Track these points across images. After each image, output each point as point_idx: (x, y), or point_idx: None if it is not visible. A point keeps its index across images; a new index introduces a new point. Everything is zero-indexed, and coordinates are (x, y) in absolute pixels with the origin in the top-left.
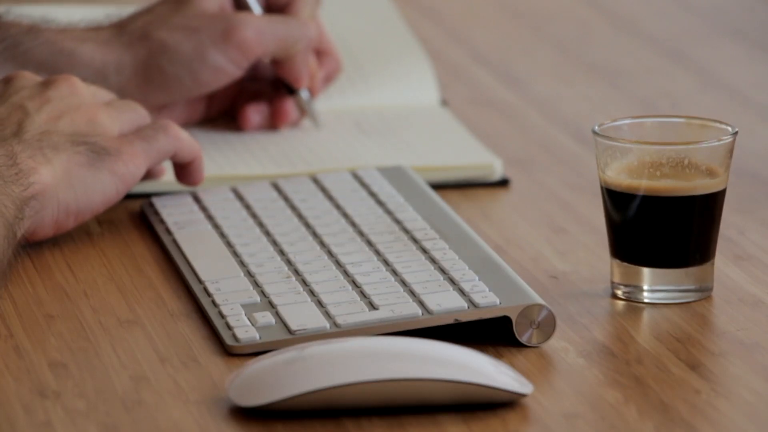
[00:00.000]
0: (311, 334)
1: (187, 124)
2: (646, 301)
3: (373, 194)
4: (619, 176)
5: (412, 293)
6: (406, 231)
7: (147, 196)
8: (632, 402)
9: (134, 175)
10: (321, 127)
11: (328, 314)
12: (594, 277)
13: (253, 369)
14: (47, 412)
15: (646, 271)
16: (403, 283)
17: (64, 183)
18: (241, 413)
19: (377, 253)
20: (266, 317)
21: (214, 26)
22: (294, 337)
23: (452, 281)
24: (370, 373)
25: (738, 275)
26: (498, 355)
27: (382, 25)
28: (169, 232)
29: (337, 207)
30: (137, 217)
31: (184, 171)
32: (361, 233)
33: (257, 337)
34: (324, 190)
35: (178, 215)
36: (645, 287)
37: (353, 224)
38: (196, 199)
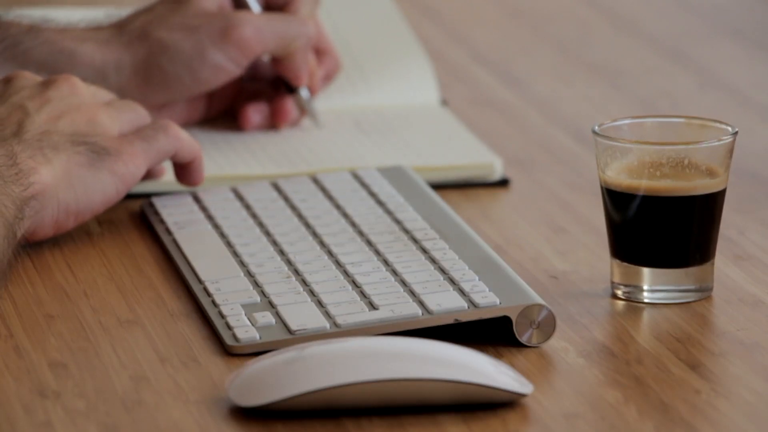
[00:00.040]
0: (311, 334)
1: (187, 124)
2: (646, 301)
3: (373, 194)
4: (619, 176)
5: (412, 293)
6: (406, 231)
7: (147, 196)
8: (632, 402)
9: (134, 175)
10: (321, 126)
11: (328, 314)
12: (594, 277)
13: (253, 369)
14: (47, 412)
15: (646, 271)
16: (403, 283)
17: (64, 183)
18: (241, 413)
19: (377, 253)
20: (266, 317)
21: (213, 25)
22: (294, 337)
23: (452, 281)
24: (370, 373)
25: (738, 275)
26: (498, 355)
27: (382, 24)
28: (169, 232)
29: (337, 207)
30: (137, 217)
31: (184, 171)
32: (361, 233)
33: (257, 337)
34: (324, 190)
35: (178, 215)
36: (645, 287)
37: (353, 224)
38: (196, 199)
